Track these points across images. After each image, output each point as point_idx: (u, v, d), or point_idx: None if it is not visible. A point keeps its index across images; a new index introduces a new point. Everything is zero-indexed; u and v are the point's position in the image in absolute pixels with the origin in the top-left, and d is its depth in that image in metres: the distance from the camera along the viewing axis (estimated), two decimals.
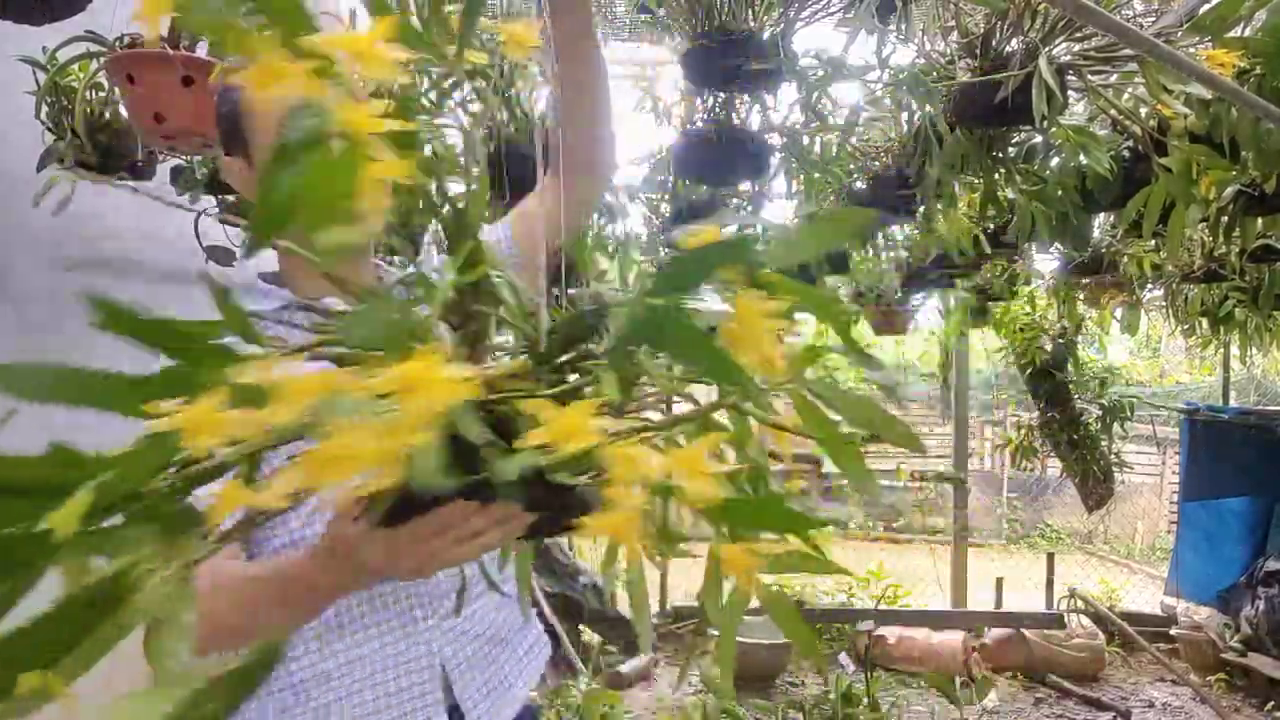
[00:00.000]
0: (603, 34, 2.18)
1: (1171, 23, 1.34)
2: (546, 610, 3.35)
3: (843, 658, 3.95)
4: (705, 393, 0.47)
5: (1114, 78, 1.53)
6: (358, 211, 0.32)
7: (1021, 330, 4.31)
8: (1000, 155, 1.83)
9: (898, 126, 2.00)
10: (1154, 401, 5.50)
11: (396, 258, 1.40)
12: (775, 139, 1.89)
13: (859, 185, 2.18)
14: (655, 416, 0.47)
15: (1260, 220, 1.82)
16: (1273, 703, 3.48)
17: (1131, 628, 3.97)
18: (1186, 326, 3.58)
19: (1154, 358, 7.99)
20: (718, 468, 0.36)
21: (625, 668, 3.58)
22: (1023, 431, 4.83)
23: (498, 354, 0.50)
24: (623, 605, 3.58)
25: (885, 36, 1.56)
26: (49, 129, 1.60)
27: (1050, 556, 4.46)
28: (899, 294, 3.51)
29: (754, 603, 0.44)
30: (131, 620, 0.32)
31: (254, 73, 0.30)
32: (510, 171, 1.52)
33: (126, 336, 0.31)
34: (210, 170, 1.81)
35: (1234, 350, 4.19)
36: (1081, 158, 1.54)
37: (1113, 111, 1.59)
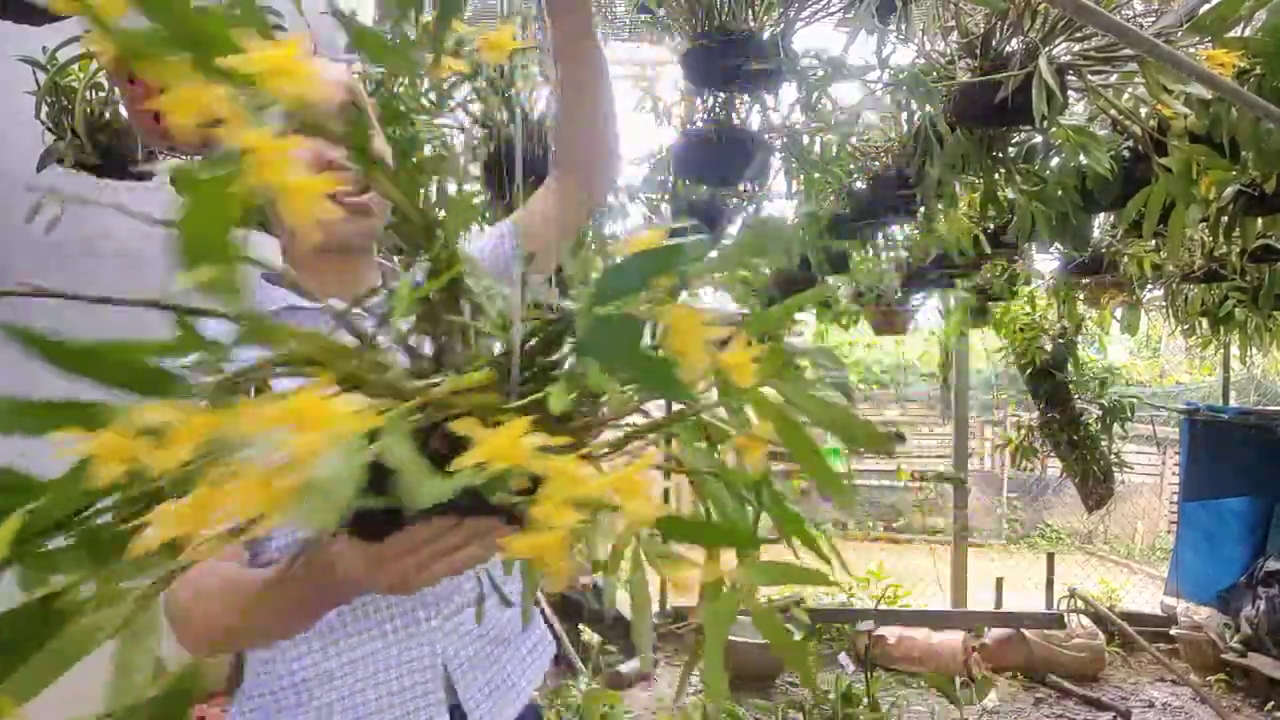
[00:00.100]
0: (603, 34, 2.18)
1: (1171, 23, 1.34)
2: (546, 610, 3.35)
3: (843, 658, 3.95)
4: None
5: (1114, 78, 1.53)
6: (237, 246, 0.30)
7: (1021, 330, 4.31)
8: (1000, 155, 1.83)
9: (898, 126, 2.00)
10: (1154, 401, 5.49)
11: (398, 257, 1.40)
12: (776, 139, 1.89)
13: (859, 185, 2.18)
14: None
15: (1260, 220, 1.82)
16: (1273, 703, 3.48)
17: (1131, 628, 3.97)
18: (1186, 326, 3.58)
19: (1154, 358, 7.99)
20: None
21: (625, 668, 3.58)
22: (1023, 431, 4.83)
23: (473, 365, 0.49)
24: (623, 605, 3.58)
25: (885, 36, 1.56)
26: (49, 129, 1.60)
27: (1050, 556, 4.46)
28: (899, 294, 3.51)
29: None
30: (85, 640, 0.32)
31: (169, 99, 0.30)
32: (510, 172, 1.52)
33: (55, 365, 0.30)
34: None
35: (1234, 350, 4.19)
36: (1081, 158, 1.54)
37: (1113, 111, 1.59)
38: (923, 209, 2.09)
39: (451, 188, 1.65)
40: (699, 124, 1.88)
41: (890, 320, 3.86)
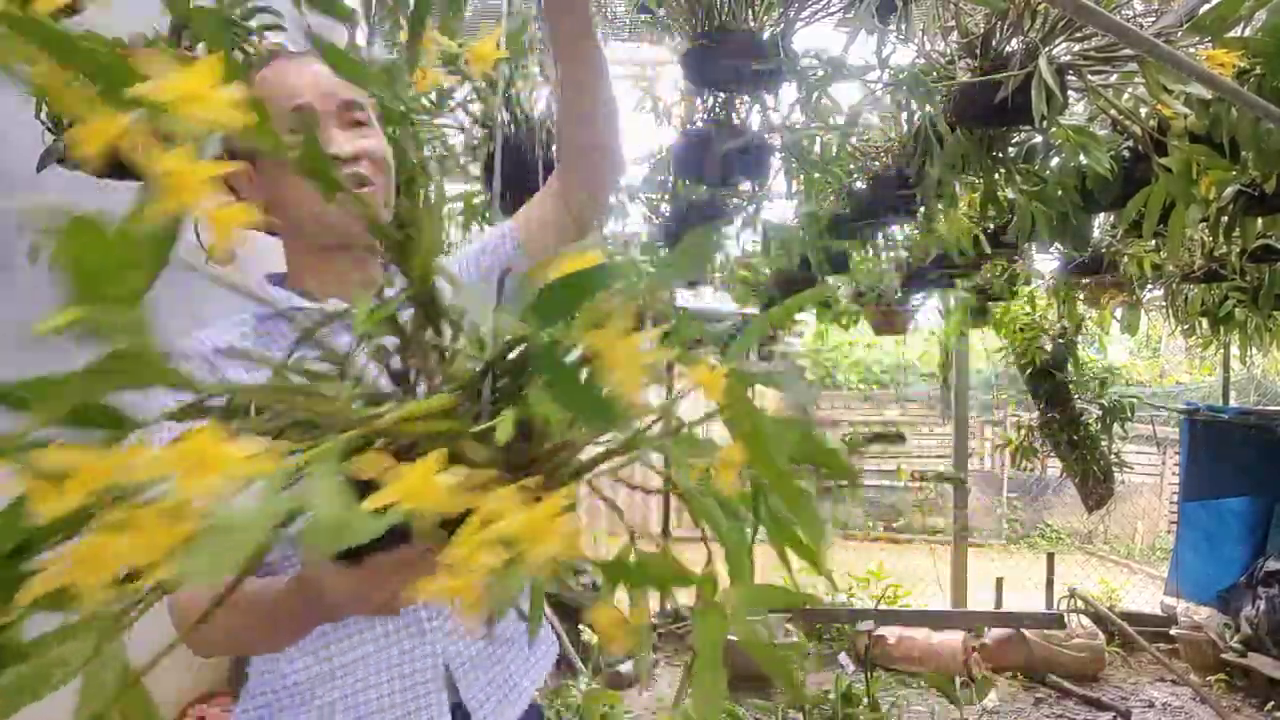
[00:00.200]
0: (603, 34, 2.18)
1: (1171, 23, 1.34)
2: (546, 610, 3.35)
3: (843, 658, 3.94)
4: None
5: (1114, 78, 1.53)
6: (140, 288, 0.30)
7: (1021, 330, 4.30)
8: (1000, 155, 1.83)
9: (898, 126, 2.00)
10: (1154, 401, 5.49)
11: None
12: (775, 139, 1.89)
13: (859, 185, 2.19)
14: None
15: (1260, 220, 1.82)
16: (1273, 703, 3.48)
17: (1131, 628, 3.97)
18: (1186, 326, 3.58)
19: (1154, 358, 7.98)
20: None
21: (624, 668, 3.58)
22: (1023, 431, 4.83)
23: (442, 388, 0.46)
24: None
25: (885, 36, 1.56)
26: (49, 129, 1.60)
27: (1050, 556, 4.46)
28: (899, 294, 3.52)
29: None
30: (47, 676, 0.32)
31: (79, 131, 0.29)
32: (510, 172, 1.52)
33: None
34: None
35: (1234, 350, 4.19)
36: (1081, 158, 1.54)
37: (1113, 111, 1.59)
38: (923, 209, 2.09)
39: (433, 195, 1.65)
40: (699, 124, 1.88)
41: (890, 320, 3.86)
